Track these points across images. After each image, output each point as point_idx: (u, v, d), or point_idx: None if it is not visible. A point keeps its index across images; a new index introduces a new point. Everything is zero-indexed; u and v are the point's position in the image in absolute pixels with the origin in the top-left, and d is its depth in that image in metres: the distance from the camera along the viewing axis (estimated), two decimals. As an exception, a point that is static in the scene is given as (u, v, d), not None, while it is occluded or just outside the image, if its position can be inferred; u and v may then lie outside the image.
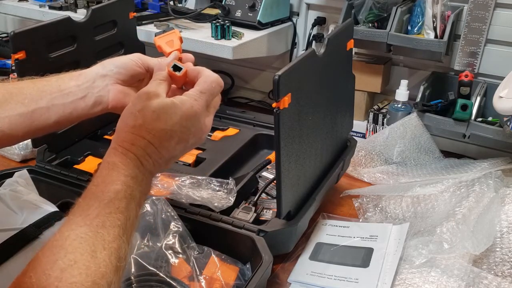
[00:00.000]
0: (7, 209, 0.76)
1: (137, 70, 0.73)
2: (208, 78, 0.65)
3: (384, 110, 1.25)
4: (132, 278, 0.70)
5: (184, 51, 0.75)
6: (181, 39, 0.75)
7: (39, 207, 0.78)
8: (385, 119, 1.21)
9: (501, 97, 0.94)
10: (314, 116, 0.84)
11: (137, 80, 0.75)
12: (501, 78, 1.01)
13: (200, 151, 1.04)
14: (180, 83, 0.68)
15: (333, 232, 0.91)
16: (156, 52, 0.75)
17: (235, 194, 0.85)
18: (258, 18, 1.25)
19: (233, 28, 1.20)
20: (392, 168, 1.12)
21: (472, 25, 1.12)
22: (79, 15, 1.36)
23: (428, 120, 1.10)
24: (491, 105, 0.97)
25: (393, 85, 1.27)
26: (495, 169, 1.01)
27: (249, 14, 1.26)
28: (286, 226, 0.80)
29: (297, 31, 1.39)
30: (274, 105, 0.72)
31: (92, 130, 1.12)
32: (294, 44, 1.40)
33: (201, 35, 1.21)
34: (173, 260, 0.74)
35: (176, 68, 0.65)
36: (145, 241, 0.75)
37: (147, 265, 0.71)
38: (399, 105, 1.17)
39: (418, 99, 1.12)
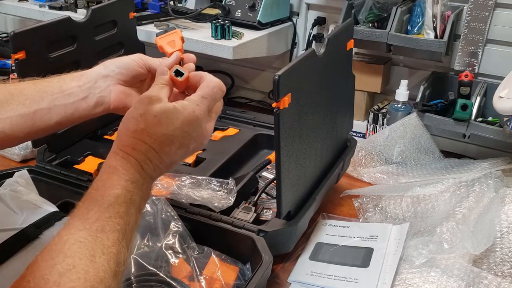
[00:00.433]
0: (7, 209, 0.76)
1: (138, 70, 0.73)
2: (210, 83, 0.64)
3: (384, 110, 1.25)
4: (132, 278, 0.70)
5: (184, 51, 0.75)
6: (182, 39, 0.75)
7: (39, 207, 0.78)
8: (385, 119, 1.21)
9: (501, 97, 0.94)
10: (314, 116, 0.84)
11: (139, 81, 0.75)
12: (501, 78, 1.01)
13: (200, 151, 1.04)
14: (182, 88, 0.68)
15: (333, 232, 0.91)
16: (156, 52, 0.75)
17: (235, 194, 0.85)
18: (258, 18, 1.25)
19: (233, 28, 1.20)
20: (392, 168, 1.12)
21: (472, 25, 1.12)
22: (79, 15, 1.36)
23: (428, 120, 1.10)
24: (491, 105, 0.97)
25: (393, 85, 1.27)
26: (495, 169, 1.01)
27: (249, 14, 1.26)
28: (286, 226, 0.80)
29: (297, 31, 1.39)
30: (274, 105, 0.72)
31: (92, 130, 1.12)
32: (294, 44, 1.40)
33: (201, 35, 1.21)
34: (173, 260, 0.74)
35: (178, 73, 0.65)
36: (145, 241, 0.75)
37: (147, 265, 0.71)
38: (399, 105, 1.17)
39: (418, 99, 1.12)
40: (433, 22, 1.10)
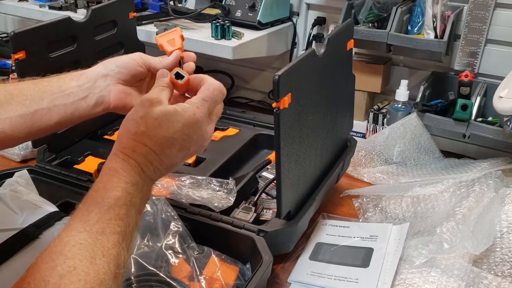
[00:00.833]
0: (7, 209, 0.76)
1: (138, 69, 0.73)
2: (211, 85, 0.64)
3: (384, 110, 1.25)
4: (132, 278, 0.70)
5: (184, 51, 0.75)
6: (182, 37, 0.75)
7: (39, 207, 0.78)
8: (385, 119, 1.21)
9: (501, 97, 0.94)
10: (314, 116, 0.84)
11: (139, 80, 0.74)
12: (501, 78, 1.01)
13: (200, 151, 1.04)
14: (182, 90, 0.68)
15: (333, 232, 0.91)
16: (156, 52, 0.75)
17: (235, 194, 0.85)
18: (258, 18, 1.25)
19: (233, 28, 1.20)
20: (392, 168, 1.12)
21: (472, 25, 1.12)
22: (79, 15, 1.36)
23: (428, 120, 1.10)
24: (491, 105, 0.97)
25: (393, 85, 1.27)
26: (495, 169, 1.01)
27: (249, 14, 1.26)
28: (286, 226, 0.80)
29: (297, 31, 1.39)
30: (274, 105, 0.72)
31: (92, 130, 1.12)
32: (294, 44, 1.40)
33: (201, 35, 1.21)
34: (173, 260, 0.74)
35: (179, 75, 0.65)
36: (145, 241, 0.75)
37: (147, 265, 0.71)
38: (399, 105, 1.17)
39: (418, 99, 1.12)
40: (433, 22, 1.10)
